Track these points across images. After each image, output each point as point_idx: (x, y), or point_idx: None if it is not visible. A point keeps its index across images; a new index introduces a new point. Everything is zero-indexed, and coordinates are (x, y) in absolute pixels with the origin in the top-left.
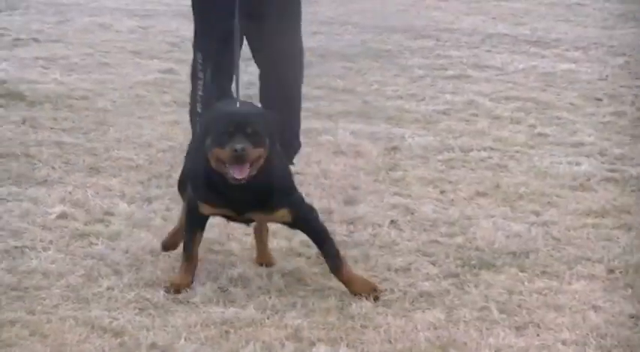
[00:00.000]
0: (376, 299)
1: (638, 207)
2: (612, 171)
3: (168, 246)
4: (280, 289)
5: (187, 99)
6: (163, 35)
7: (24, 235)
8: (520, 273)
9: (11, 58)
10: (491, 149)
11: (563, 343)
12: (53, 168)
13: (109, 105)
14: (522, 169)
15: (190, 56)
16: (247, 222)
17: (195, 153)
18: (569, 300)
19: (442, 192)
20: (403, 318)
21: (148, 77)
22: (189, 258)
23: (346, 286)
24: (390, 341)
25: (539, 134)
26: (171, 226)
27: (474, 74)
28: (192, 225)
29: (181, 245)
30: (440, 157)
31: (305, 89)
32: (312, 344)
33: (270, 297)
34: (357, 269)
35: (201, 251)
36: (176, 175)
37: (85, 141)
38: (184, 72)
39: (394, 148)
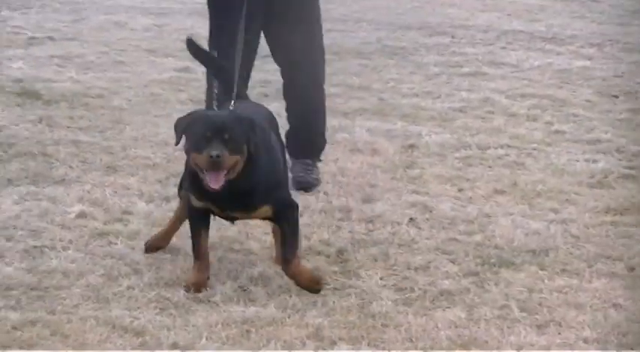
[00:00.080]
0: (317, 291)
1: None
2: (630, 168)
3: (151, 247)
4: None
5: (203, 97)
6: (178, 33)
7: (43, 235)
8: (540, 271)
9: (27, 56)
10: (508, 146)
11: (585, 341)
12: (71, 167)
13: (124, 104)
14: (540, 167)
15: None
16: (231, 219)
17: None
18: (590, 298)
19: (460, 189)
20: (424, 317)
21: (163, 75)
22: (199, 257)
23: (291, 279)
24: (411, 340)
25: (556, 131)
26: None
27: (489, 71)
28: (194, 221)
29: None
30: (457, 155)
31: None
32: (333, 343)
33: (290, 296)
34: (377, 268)
35: (221, 250)
36: None
37: (102, 140)
38: (200, 70)
39: (411, 146)
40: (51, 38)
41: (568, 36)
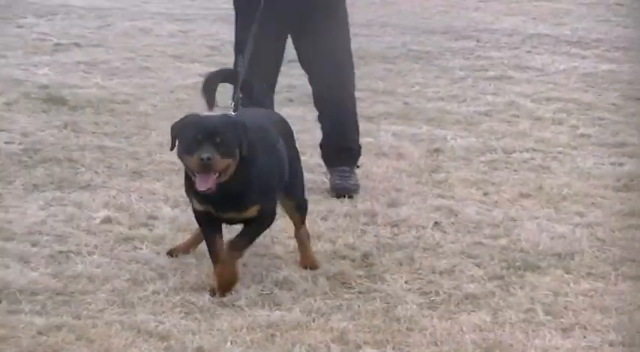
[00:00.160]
0: (223, 290)
1: None
2: None
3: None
4: (325, 292)
5: (229, 103)
6: (203, 39)
7: (69, 240)
8: (565, 275)
9: (52, 63)
10: (534, 150)
11: (610, 344)
12: (96, 172)
13: (150, 110)
14: (565, 170)
15: (231, 60)
16: (228, 221)
17: None
18: (616, 301)
19: (485, 193)
20: (449, 321)
21: (188, 81)
22: (214, 261)
23: (216, 262)
24: (436, 344)
25: (582, 135)
26: None
27: (514, 75)
28: (204, 228)
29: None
30: (482, 159)
31: None
32: (358, 346)
33: (315, 300)
34: (402, 272)
35: (246, 255)
36: None
37: (127, 146)
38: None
39: (436, 150)
40: (77, 44)
41: (593, 39)
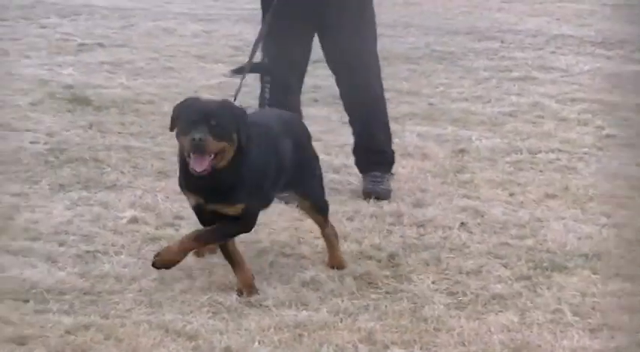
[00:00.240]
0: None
1: None
2: None
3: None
4: (352, 292)
5: (252, 102)
6: (227, 39)
7: (95, 240)
8: (593, 275)
9: (77, 63)
10: (559, 151)
11: (638, 345)
12: (122, 172)
13: None
14: (591, 171)
15: (255, 60)
16: (212, 217)
17: None
18: None
19: (511, 194)
20: (476, 321)
21: (211, 81)
22: (228, 259)
23: (171, 245)
24: (464, 344)
25: (607, 135)
26: None
27: (539, 76)
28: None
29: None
30: (508, 159)
31: None
32: (386, 347)
33: (342, 300)
34: (429, 273)
35: (272, 254)
36: None
37: (153, 146)
38: (249, 76)
39: (461, 150)
40: (100, 45)
41: (618, 40)
